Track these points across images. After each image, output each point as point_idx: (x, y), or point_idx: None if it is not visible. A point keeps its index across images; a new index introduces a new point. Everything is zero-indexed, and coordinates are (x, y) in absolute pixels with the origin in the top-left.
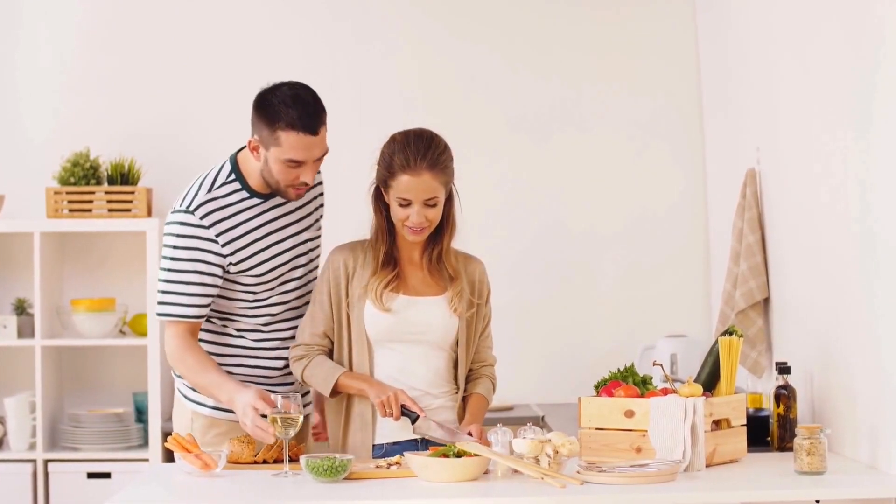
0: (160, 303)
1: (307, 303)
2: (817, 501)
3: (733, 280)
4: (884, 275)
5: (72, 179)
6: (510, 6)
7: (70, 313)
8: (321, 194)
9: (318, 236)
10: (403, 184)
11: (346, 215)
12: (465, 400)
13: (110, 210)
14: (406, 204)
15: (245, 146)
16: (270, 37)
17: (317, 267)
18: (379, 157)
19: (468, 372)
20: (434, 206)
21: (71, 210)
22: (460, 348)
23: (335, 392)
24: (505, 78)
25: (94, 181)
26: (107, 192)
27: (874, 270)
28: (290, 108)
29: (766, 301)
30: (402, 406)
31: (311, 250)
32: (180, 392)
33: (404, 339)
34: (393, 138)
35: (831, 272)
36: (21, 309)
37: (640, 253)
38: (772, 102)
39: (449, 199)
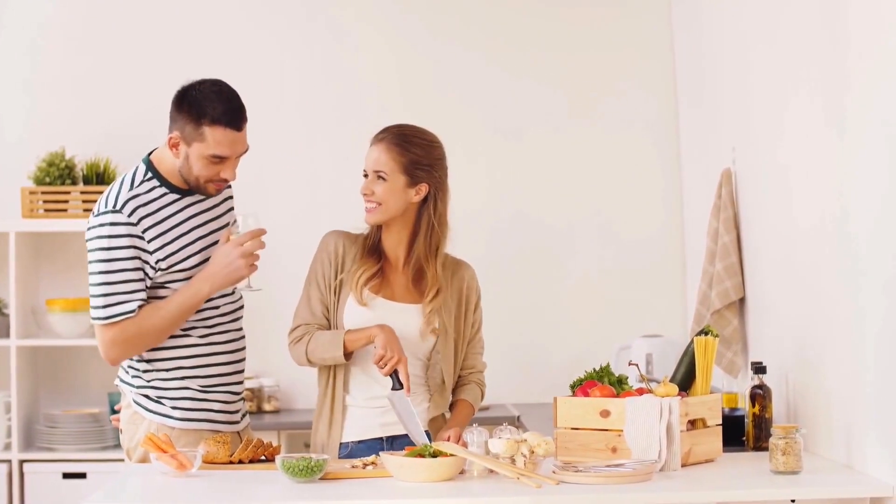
0: (103, 306)
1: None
2: (793, 501)
3: (709, 280)
4: (859, 275)
5: (47, 179)
6: (487, 3)
7: (45, 313)
8: (231, 197)
9: None
10: (367, 154)
11: (322, 212)
12: (451, 406)
13: (86, 210)
14: (364, 175)
15: (156, 149)
16: (246, 35)
17: None
18: None
19: (457, 378)
20: (383, 179)
21: (46, 210)
22: (444, 363)
23: (347, 355)
24: (481, 75)
25: (70, 181)
26: (82, 192)
27: (849, 270)
28: (216, 104)
29: (742, 301)
30: (395, 370)
31: None
32: (140, 406)
33: None
34: None
35: (807, 272)
36: None
37: (616, 253)
38: (747, 102)
39: (426, 202)
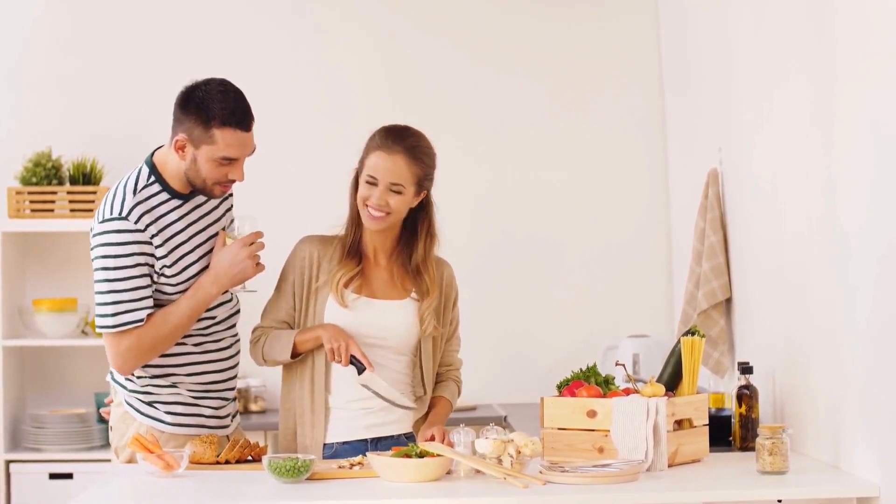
0: (112, 315)
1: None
2: (779, 501)
3: (695, 280)
4: (846, 275)
5: (34, 179)
6: (474, 2)
7: (32, 313)
8: (231, 195)
9: None
10: (373, 161)
11: (309, 212)
12: (429, 403)
13: (72, 210)
14: (373, 182)
15: (159, 147)
16: (233, 34)
17: None
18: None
19: (436, 375)
20: (399, 193)
21: (33, 210)
22: (425, 359)
23: (296, 354)
24: (468, 74)
25: (56, 181)
26: (69, 192)
27: (836, 271)
28: (224, 104)
29: (729, 301)
30: (352, 356)
31: None
32: (132, 407)
33: (364, 342)
34: (381, 126)
35: (794, 273)
36: None
37: (603, 252)
38: (733, 102)
39: (424, 206)
